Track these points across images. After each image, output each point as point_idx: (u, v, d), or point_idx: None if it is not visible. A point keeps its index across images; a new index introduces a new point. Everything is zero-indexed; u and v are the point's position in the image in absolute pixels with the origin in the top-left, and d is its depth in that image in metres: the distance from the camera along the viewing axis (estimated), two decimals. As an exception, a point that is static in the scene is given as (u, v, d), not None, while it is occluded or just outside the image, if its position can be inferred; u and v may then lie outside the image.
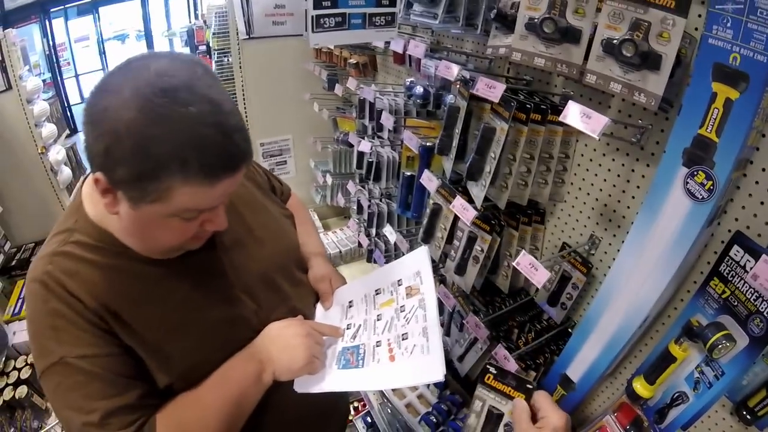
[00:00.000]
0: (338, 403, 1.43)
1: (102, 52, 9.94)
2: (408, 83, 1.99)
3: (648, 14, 0.97)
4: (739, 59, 0.86)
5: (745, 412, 1.04)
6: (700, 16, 1.02)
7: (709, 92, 0.91)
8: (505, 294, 1.73)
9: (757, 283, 0.90)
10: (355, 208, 2.75)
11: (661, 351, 1.12)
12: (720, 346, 0.97)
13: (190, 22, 8.56)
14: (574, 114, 1.08)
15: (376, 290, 1.25)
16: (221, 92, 0.82)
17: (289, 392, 1.07)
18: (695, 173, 0.96)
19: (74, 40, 9.33)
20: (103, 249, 0.94)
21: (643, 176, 1.24)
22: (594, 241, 1.41)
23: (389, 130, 2.17)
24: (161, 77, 0.75)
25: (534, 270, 1.22)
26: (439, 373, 0.95)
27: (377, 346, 1.10)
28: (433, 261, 1.21)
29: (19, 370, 2.50)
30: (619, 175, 1.30)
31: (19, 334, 2.68)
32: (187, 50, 5.61)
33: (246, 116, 3.20)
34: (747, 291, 0.94)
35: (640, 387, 1.17)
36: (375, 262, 2.61)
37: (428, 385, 2.10)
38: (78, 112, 8.14)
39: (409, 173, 2.06)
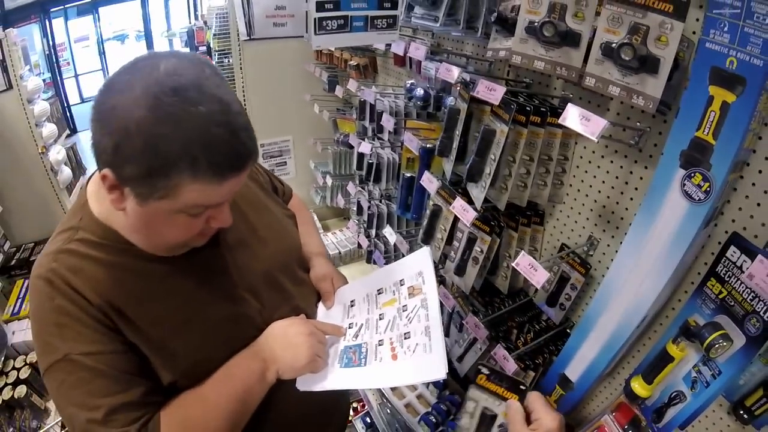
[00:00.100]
0: (339, 401, 1.44)
1: (102, 53, 9.93)
2: (408, 85, 2.00)
3: (646, 18, 0.99)
4: (736, 63, 0.87)
5: (742, 412, 1.05)
6: (698, 20, 1.03)
7: (706, 95, 0.92)
8: (505, 295, 1.74)
9: (753, 282, 0.91)
10: (354, 209, 2.76)
11: (658, 351, 1.13)
12: (717, 346, 0.98)
13: (190, 23, 8.57)
14: (573, 117, 1.09)
15: (378, 290, 1.26)
16: (229, 92, 0.83)
17: (292, 390, 1.08)
18: (692, 175, 0.97)
19: (74, 40, 9.32)
20: (107, 246, 0.94)
21: (641, 178, 1.25)
22: (592, 242, 1.43)
23: (389, 131, 2.18)
24: (171, 76, 0.77)
25: (533, 270, 1.23)
26: (441, 372, 0.96)
27: (379, 345, 1.11)
28: (433, 262, 1.23)
29: (18, 369, 2.50)
30: (617, 177, 1.32)
31: (18, 333, 2.68)
32: (187, 51, 5.63)
33: (246, 117, 3.20)
34: (743, 291, 0.95)
35: (638, 386, 1.18)
36: (374, 263, 2.62)
37: (427, 385, 2.11)
38: (78, 113, 8.15)
39: (409, 175, 2.07)
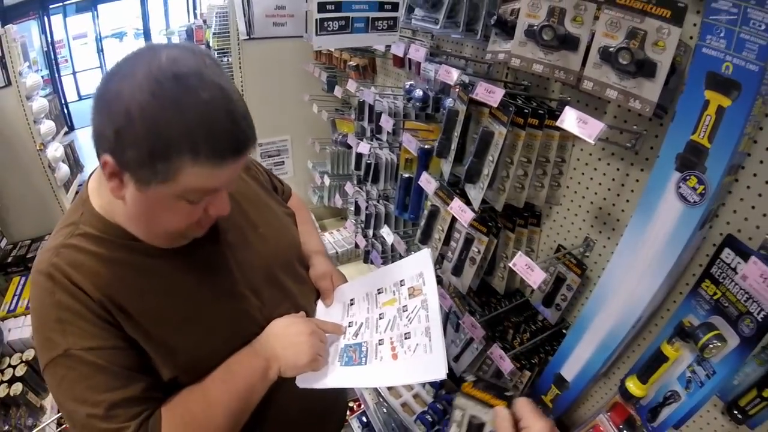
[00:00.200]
0: (338, 399, 1.45)
1: (100, 50, 9.88)
2: (407, 86, 2.01)
3: (644, 23, 1.00)
4: (732, 68, 0.89)
5: (736, 412, 1.06)
6: (695, 25, 1.05)
7: (702, 100, 0.94)
8: (501, 295, 1.76)
9: (746, 284, 0.93)
10: (352, 209, 2.77)
11: (653, 351, 1.15)
12: (711, 346, 1.00)
13: (189, 22, 8.55)
14: (570, 119, 1.10)
15: (378, 289, 1.27)
16: (228, 81, 0.85)
17: (292, 388, 1.08)
18: (687, 178, 0.99)
19: (72, 37, 9.27)
20: (108, 241, 0.95)
21: (637, 180, 1.26)
22: (589, 244, 1.44)
23: (388, 132, 2.19)
24: (172, 64, 0.79)
25: (530, 271, 1.24)
26: (441, 373, 0.98)
27: (380, 344, 1.12)
28: (433, 263, 1.24)
29: (14, 367, 2.48)
30: (614, 179, 1.33)
31: (14, 331, 2.66)
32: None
33: (244, 116, 3.21)
34: (737, 292, 0.97)
35: (633, 386, 1.19)
36: (372, 263, 2.63)
37: (423, 385, 2.12)
38: (75, 110, 8.12)
39: (407, 175, 2.08)
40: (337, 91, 2.77)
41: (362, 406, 2.41)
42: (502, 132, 1.34)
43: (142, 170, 0.81)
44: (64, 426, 2.36)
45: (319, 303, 1.32)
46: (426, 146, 1.87)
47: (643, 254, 1.11)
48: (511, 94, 1.40)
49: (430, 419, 1.91)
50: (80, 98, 9.40)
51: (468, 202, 1.51)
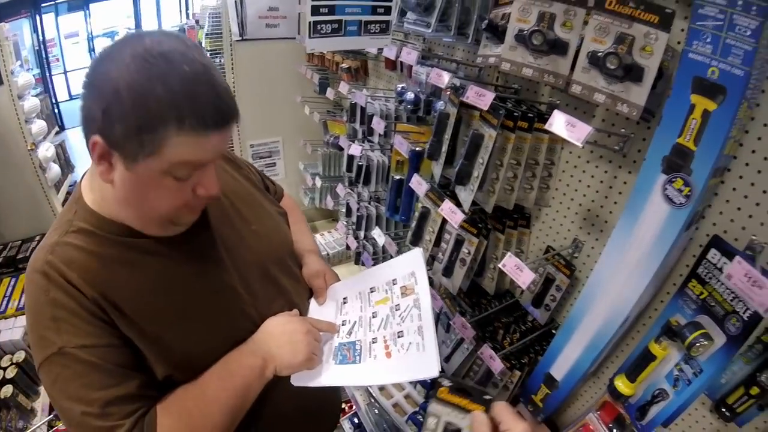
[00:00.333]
0: (332, 398, 1.46)
1: (91, 50, 9.81)
2: (399, 89, 2.02)
3: (632, 29, 1.02)
4: (717, 73, 0.91)
5: (724, 410, 1.09)
6: (682, 30, 1.07)
7: (688, 104, 0.96)
8: (491, 296, 1.77)
9: (731, 282, 0.95)
10: (344, 210, 2.77)
11: (641, 350, 1.17)
12: (698, 345, 1.02)
13: (182, 22, 8.51)
14: (559, 123, 1.12)
15: (370, 288, 1.28)
16: (210, 61, 0.89)
17: (287, 386, 1.09)
18: (673, 180, 1.01)
19: (64, 36, 9.20)
20: (103, 238, 0.96)
21: (625, 183, 1.28)
22: (577, 245, 1.46)
23: (380, 134, 2.20)
24: (157, 44, 0.82)
25: (519, 271, 1.26)
26: (434, 371, 0.98)
27: (373, 342, 1.13)
28: (425, 263, 1.25)
29: (5, 369, 2.46)
30: (602, 182, 1.35)
31: (5, 332, 2.64)
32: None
33: (237, 117, 3.21)
34: (723, 292, 0.99)
35: (622, 385, 1.21)
36: (363, 264, 2.63)
37: (415, 385, 2.13)
38: (66, 110, 8.05)
39: (398, 177, 2.09)
40: (329, 93, 2.77)
41: (354, 407, 2.41)
42: (492, 135, 1.35)
43: (129, 145, 0.83)
44: (55, 429, 2.35)
45: (312, 301, 1.32)
46: (417, 148, 1.88)
47: (630, 255, 1.13)
48: (501, 98, 1.42)
49: (421, 419, 1.92)
50: (71, 98, 9.31)
51: (458, 204, 1.52)
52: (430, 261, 1.78)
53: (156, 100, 0.80)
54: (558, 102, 1.39)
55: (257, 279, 1.15)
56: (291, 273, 1.28)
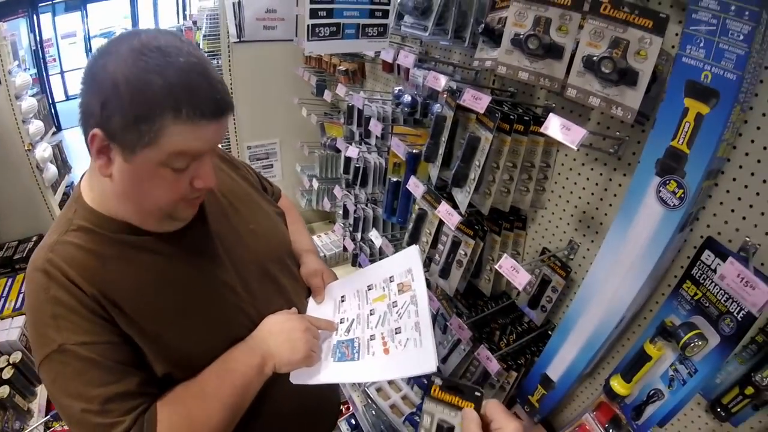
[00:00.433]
0: (331, 396, 1.46)
1: (88, 50, 9.78)
2: (396, 91, 2.03)
3: (627, 33, 1.03)
4: (711, 77, 0.92)
5: (719, 409, 1.10)
6: (676, 35, 1.08)
7: (682, 107, 0.97)
8: (488, 297, 1.78)
9: (724, 283, 0.97)
10: (341, 212, 2.78)
11: (637, 350, 1.18)
12: (692, 345, 1.03)
13: (179, 23, 8.51)
14: (554, 126, 1.13)
15: (368, 286, 1.29)
16: (204, 55, 0.91)
17: (286, 384, 1.10)
18: (667, 182, 1.02)
19: (61, 36, 9.19)
20: (102, 236, 0.97)
21: (619, 185, 1.30)
22: (573, 246, 1.47)
23: (377, 136, 2.21)
24: (153, 39, 0.85)
25: (515, 272, 1.27)
26: (432, 366, 0.99)
27: (371, 339, 1.14)
28: (421, 260, 1.26)
29: (1, 370, 2.46)
30: (597, 184, 1.36)
31: (1, 333, 2.63)
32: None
33: (234, 119, 3.22)
34: (717, 293, 1.00)
35: (618, 385, 1.22)
36: (360, 266, 2.63)
37: (412, 386, 2.14)
38: (63, 110, 8.03)
39: (395, 179, 2.10)
40: (327, 95, 2.78)
41: (351, 408, 2.42)
42: (489, 137, 1.36)
43: (128, 135, 0.84)
44: (51, 430, 2.35)
45: (311, 300, 1.33)
46: (414, 151, 1.89)
47: (625, 256, 1.14)
48: (497, 101, 1.43)
49: (418, 420, 1.92)
50: (68, 98, 9.30)
51: (455, 206, 1.53)
52: (427, 263, 1.79)
53: (153, 90, 0.82)
54: (553, 105, 1.40)
55: (255, 278, 1.16)
56: (289, 272, 1.29)
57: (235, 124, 3.25)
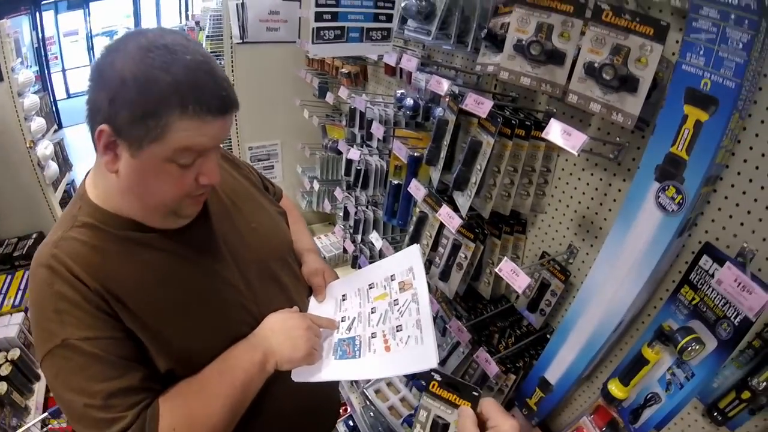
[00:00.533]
0: (331, 396, 1.47)
1: (90, 48, 9.82)
2: (399, 95, 2.04)
3: (628, 40, 1.05)
4: (710, 84, 0.93)
5: (716, 414, 1.11)
6: (677, 42, 1.09)
7: (681, 114, 0.98)
8: (487, 300, 1.78)
9: (721, 288, 0.97)
10: (341, 214, 2.79)
11: (634, 354, 1.19)
12: (690, 349, 1.04)
13: (181, 23, 8.53)
14: (555, 131, 1.14)
15: (369, 284, 1.30)
16: (209, 54, 0.93)
17: (288, 382, 1.11)
18: (666, 188, 1.03)
19: (63, 34, 9.21)
20: (107, 232, 0.98)
21: (619, 190, 1.31)
22: (572, 251, 1.48)
23: (378, 139, 2.22)
24: (159, 37, 0.87)
25: (515, 276, 1.28)
26: (433, 362, 1.00)
27: (372, 337, 1.15)
28: (422, 258, 1.27)
29: (-1, 366, 2.47)
30: (596, 189, 1.37)
31: (0, 329, 2.65)
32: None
33: (235, 119, 3.23)
34: (715, 297, 1.01)
35: (615, 388, 1.22)
36: (360, 267, 2.64)
37: (410, 388, 2.15)
38: (64, 108, 8.03)
39: (396, 182, 2.11)
40: (329, 98, 2.79)
41: (349, 410, 2.42)
42: (490, 142, 1.37)
43: (135, 131, 0.86)
44: (49, 427, 2.35)
45: (312, 299, 1.34)
46: (416, 154, 1.90)
47: (624, 261, 1.15)
48: (499, 105, 1.44)
49: (416, 421, 1.93)
50: (69, 96, 9.31)
51: (456, 209, 1.54)
52: (428, 265, 1.80)
53: (160, 86, 0.84)
54: (554, 110, 1.41)
55: (257, 276, 1.17)
56: (291, 271, 1.30)
57: (236, 124, 3.27)
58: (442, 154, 1.61)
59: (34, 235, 3.27)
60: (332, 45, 1.42)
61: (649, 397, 1.17)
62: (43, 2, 8.14)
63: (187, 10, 9.19)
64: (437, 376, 0.86)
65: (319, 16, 1.35)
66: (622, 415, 1.24)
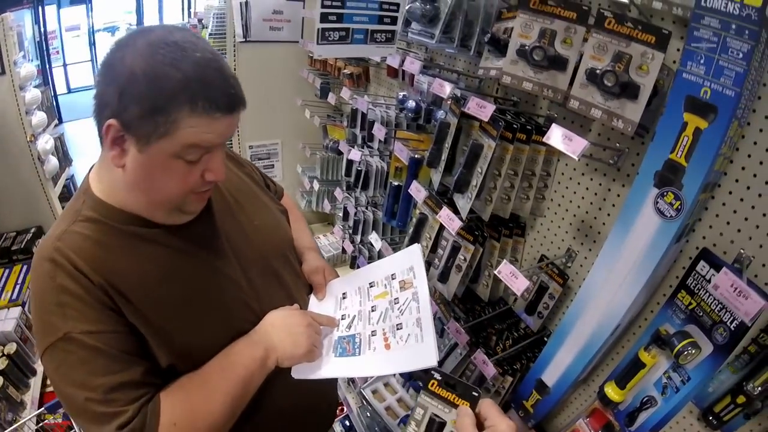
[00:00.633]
0: (331, 393, 1.47)
1: (92, 43, 9.80)
2: (401, 96, 2.05)
3: (630, 48, 1.06)
4: (710, 93, 0.94)
5: (711, 418, 1.12)
6: (678, 50, 1.11)
7: (681, 121, 1.00)
8: (485, 302, 1.80)
9: (718, 293, 0.99)
10: (341, 214, 2.80)
11: (631, 357, 1.20)
12: (686, 353, 1.05)
13: (184, 20, 8.52)
14: (556, 136, 1.15)
15: (369, 283, 1.31)
16: (217, 51, 0.94)
17: (288, 379, 1.11)
18: (665, 194, 1.04)
19: (65, 28, 9.19)
20: (110, 226, 0.98)
21: (618, 195, 1.32)
22: (571, 254, 1.49)
23: (380, 140, 2.23)
24: (168, 34, 0.88)
25: (514, 278, 1.29)
26: (432, 360, 1.01)
27: (372, 335, 1.16)
28: (423, 258, 1.28)
29: (-4, 360, 2.47)
30: (596, 194, 1.39)
31: (-4, 323, 2.65)
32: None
33: (237, 118, 3.23)
34: (711, 303, 1.03)
35: (612, 391, 1.24)
36: (358, 268, 2.65)
37: (407, 389, 2.15)
38: (64, 103, 8.03)
39: (396, 183, 2.12)
40: (331, 98, 2.80)
41: (345, 409, 2.42)
42: (491, 145, 1.38)
43: (143, 126, 0.87)
44: (44, 422, 2.35)
45: (312, 297, 1.35)
46: (416, 156, 1.91)
47: (622, 265, 1.16)
48: (500, 109, 1.45)
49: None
50: (69, 91, 9.30)
51: (456, 212, 1.55)
52: (427, 267, 1.80)
53: (170, 83, 0.84)
54: (555, 115, 1.42)
55: (259, 273, 1.17)
56: (291, 268, 1.31)
57: (244, 109, 3.27)
58: (444, 157, 1.62)
59: (33, 230, 3.26)
60: (337, 46, 1.43)
61: (645, 401, 1.18)
62: (46, -3, 8.15)
63: (189, 7, 9.18)
64: (437, 375, 0.86)
65: (324, 17, 1.36)
66: (618, 418, 1.26)
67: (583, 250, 1.46)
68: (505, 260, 1.33)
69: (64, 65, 9.35)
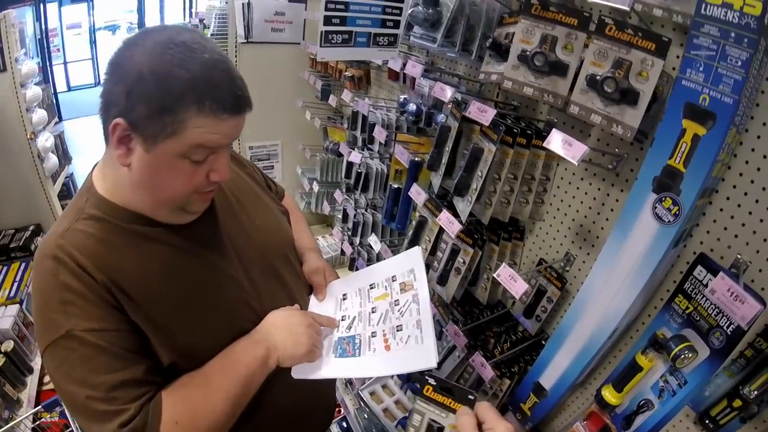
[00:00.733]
0: (330, 393, 1.48)
1: (93, 42, 9.80)
2: (402, 99, 2.06)
3: (630, 54, 1.07)
4: (708, 100, 0.95)
5: (707, 421, 1.12)
6: (678, 57, 1.12)
7: (680, 128, 1.01)
8: (484, 305, 1.81)
9: (715, 297, 1.00)
10: (340, 216, 2.80)
11: (628, 361, 1.21)
12: (683, 357, 1.06)
13: (185, 20, 8.53)
14: (556, 141, 1.16)
15: (370, 285, 1.32)
16: (224, 53, 0.95)
17: (288, 379, 1.12)
18: (663, 199, 1.05)
19: (66, 26, 9.20)
20: (113, 225, 0.98)
21: (617, 200, 1.33)
22: (569, 258, 1.50)
23: (380, 143, 2.24)
24: (177, 34, 0.89)
25: (513, 281, 1.30)
26: (432, 361, 1.02)
27: (373, 336, 1.16)
28: (423, 260, 1.29)
29: (-8, 358, 2.46)
30: (594, 198, 1.40)
31: (-6, 320, 2.64)
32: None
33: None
34: (708, 307, 1.04)
35: (609, 394, 1.24)
36: (357, 270, 2.66)
37: (405, 391, 2.15)
38: (64, 101, 8.02)
39: (396, 186, 2.13)
40: (332, 100, 2.81)
41: (342, 411, 2.42)
42: (492, 149, 1.39)
43: (151, 126, 0.87)
44: (41, 420, 2.35)
45: (312, 298, 1.35)
46: (417, 159, 1.92)
47: (620, 269, 1.17)
48: (500, 114, 1.46)
49: (410, 423, 1.94)
50: (70, 89, 9.29)
51: (456, 215, 1.55)
52: (426, 269, 1.81)
53: (178, 83, 0.85)
54: (556, 120, 1.43)
55: (260, 272, 1.18)
56: (292, 268, 1.31)
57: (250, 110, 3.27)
58: (444, 160, 1.63)
59: (32, 227, 3.26)
60: (340, 49, 1.43)
61: (642, 404, 1.19)
62: (47, -6, 8.16)
63: (191, 7, 9.19)
64: (431, 380, 0.85)
65: (328, 20, 1.36)
66: (615, 421, 1.26)
67: (582, 254, 1.47)
68: (504, 263, 1.34)
69: (65, 63, 9.35)
